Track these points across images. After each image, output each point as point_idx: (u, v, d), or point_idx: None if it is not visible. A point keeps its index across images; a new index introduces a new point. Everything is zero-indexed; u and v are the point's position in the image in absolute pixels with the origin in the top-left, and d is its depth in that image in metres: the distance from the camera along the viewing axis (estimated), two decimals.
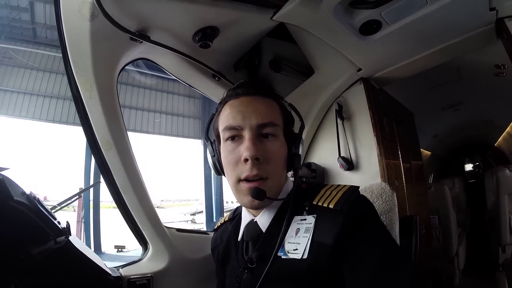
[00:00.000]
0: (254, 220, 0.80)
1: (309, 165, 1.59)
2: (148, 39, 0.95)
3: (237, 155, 0.73)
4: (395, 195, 1.12)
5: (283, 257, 0.70)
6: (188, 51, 1.08)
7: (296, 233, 0.71)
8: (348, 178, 1.55)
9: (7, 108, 8.24)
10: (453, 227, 2.90)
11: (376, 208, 1.05)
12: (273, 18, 1.03)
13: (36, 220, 0.88)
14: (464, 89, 2.37)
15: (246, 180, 0.72)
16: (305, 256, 0.67)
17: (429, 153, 4.85)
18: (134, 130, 10.30)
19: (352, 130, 1.57)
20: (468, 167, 7.34)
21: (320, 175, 1.60)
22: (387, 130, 1.65)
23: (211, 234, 1.15)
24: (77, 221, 7.70)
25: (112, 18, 0.80)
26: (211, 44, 1.01)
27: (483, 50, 1.47)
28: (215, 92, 1.31)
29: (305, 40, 1.18)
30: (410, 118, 2.41)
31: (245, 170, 0.72)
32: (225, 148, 0.77)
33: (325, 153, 1.68)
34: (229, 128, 0.75)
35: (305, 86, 1.39)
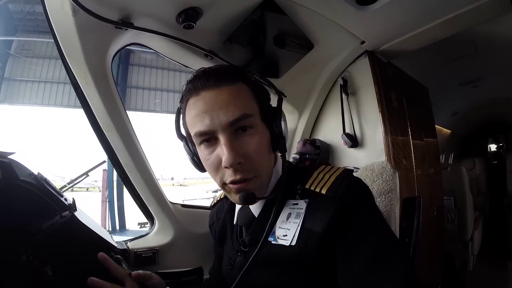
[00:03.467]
0: (247, 205, 0.78)
1: (314, 142, 1.57)
2: (132, 26, 0.98)
3: (216, 159, 0.67)
4: (397, 174, 1.09)
5: (273, 242, 0.69)
6: (175, 33, 1.08)
7: (287, 218, 0.69)
8: (352, 155, 1.53)
9: (29, 96, 8.67)
10: (469, 210, 2.79)
11: (376, 188, 1.04)
12: None
13: (43, 197, 0.95)
14: (481, 63, 2.21)
15: (232, 183, 0.68)
16: (293, 243, 0.65)
17: (449, 131, 4.64)
18: (154, 111, 10.61)
19: (357, 106, 1.53)
20: (493, 147, 6.99)
21: (324, 152, 1.58)
22: (395, 105, 1.58)
23: None
24: (101, 201, 8.04)
25: (92, 12, 0.83)
26: (194, 25, 1.01)
27: (499, 21, 1.35)
28: None
29: (298, 14, 1.13)
30: (424, 94, 2.29)
31: (229, 175, 0.67)
32: (201, 152, 0.71)
33: (330, 130, 1.66)
34: (199, 134, 0.67)
35: (305, 61, 1.34)
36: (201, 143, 0.69)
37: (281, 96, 0.77)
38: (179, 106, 0.75)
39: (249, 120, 0.66)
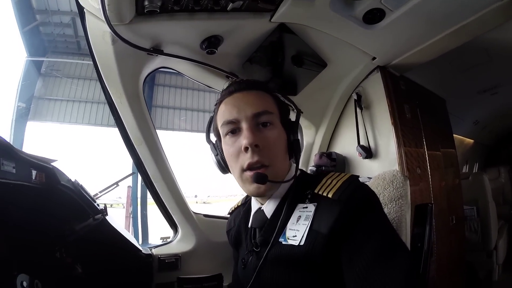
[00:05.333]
0: (261, 208, 0.84)
1: (330, 155, 1.63)
2: (162, 53, 1.11)
3: (237, 146, 0.77)
4: (408, 182, 1.11)
5: (283, 242, 0.74)
6: (199, 58, 1.20)
7: (297, 220, 0.74)
8: (367, 166, 1.57)
9: (57, 115, 9.17)
10: (493, 219, 2.71)
11: (387, 195, 1.06)
12: (272, 20, 1.10)
13: (79, 201, 1.08)
14: (497, 70, 2.19)
15: (250, 168, 0.75)
16: (302, 243, 0.69)
17: (472, 141, 4.50)
18: (179, 129, 10.93)
19: (371, 119, 1.58)
20: None
21: (340, 164, 1.63)
22: (409, 117, 1.61)
23: None
24: (125, 217, 8.19)
25: (128, 41, 0.96)
26: (216, 50, 1.13)
27: (508, 27, 1.36)
28: None
29: (311, 36, 1.22)
30: (440, 104, 2.29)
31: (247, 158, 0.75)
32: (225, 143, 0.81)
33: (346, 143, 1.71)
34: (226, 122, 0.78)
35: (320, 78, 1.42)
36: (226, 134, 0.79)
37: (299, 110, 0.89)
38: (211, 115, 0.89)
39: (270, 117, 0.78)
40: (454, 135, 2.41)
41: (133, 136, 1.24)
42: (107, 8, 0.83)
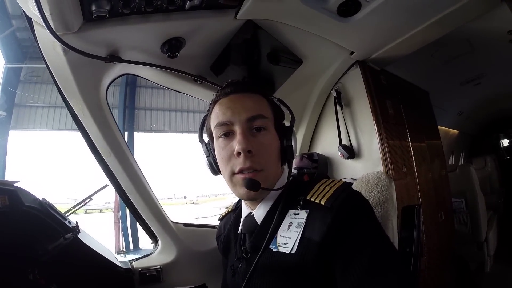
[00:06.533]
0: (251, 214, 0.82)
1: (311, 156, 1.57)
2: (119, 60, 1.04)
3: (229, 150, 0.75)
4: (393, 184, 1.08)
5: (274, 250, 0.72)
6: (161, 62, 1.13)
7: (289, 227, 0.72)
8: (350, 167, 1.52)
9: (39, 121, 8.95)
10: (482, 211, 2.73)
11: (371, 199, 1.03)
12: (237, 17, 1.03)
13: (47, 221, 1.04)
14: (480, 61, 2.19)
15: (240, 172, 0.75)
16: (294, 251, 0.68)
17: (457, 131, 4.56)
18: (164, 131, 10.81)
19: (352, 117, 1.53)
20: (505, 142, 6.80)
21: (322, 165, 1.58)
22: (391, 112, 1.57)
23: None
24: (114, 222, 8.16)
25: (80, 51, 0.89)
26: (178, 54, 1.05)
27: (490, 16, 1.33)
28: (201, 94, 1.35)
29: (282, 32, 1.15)
30: (423, 97, 2.28)
31: (238, 163, 0.74)
32: (218, 145, 0.79)
33: (327, 142, 1.66)
34: (220, 124, 0.77)
35: (296, 76, 1.36)
36: (219, 136, 0.78)
37: (293, 116, 0.87)
38: (205, 114, 0.88)
39: (264, 121, 0.77)
40: (439, 126, 2.41)
41: (101, 148, 1.17)
42: (49, 18, 0.76)
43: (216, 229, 1.09)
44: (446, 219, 1.90)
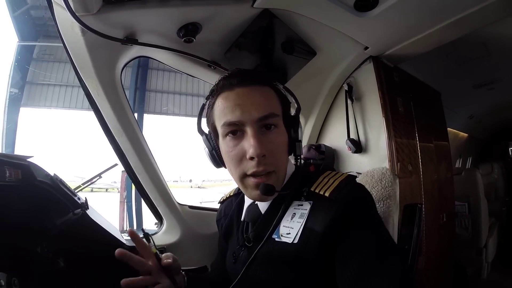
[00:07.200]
0: (255, 203, 0.82)
1: (319, 147, 1.58)
2: (136, 42, 1.05)
3: (240, 151, 0.72)
4: (397, 181, 1.09)
5: (276, 239, 0.73)
6: (177, 46, 1.14)
7: (292, 218, 0.73)
8: (356, 161, 1.53)
9: (51, 100, 9.06)
10: (484, 217, 2.72)
11: (374, 194, 1.04)
12: (254, 6, 1.03)
13: (58, 196, 1.06)
14: (495, 65, 2.14)
15: (253, 175, 0.72)
16: (296, 241, 0.69)
17: (466, 135, 4.50)
18: (173, 114, 10.87)
19: (362, 111, 1.53)
20: None
21: (329, 157, 1.59)
22: (401, 110, 1.57)
23: None
24: (120, 201, 8.25)
25: (98, 32, 0.90)
26: (194, 39, 1.06)
27: (508, 22, 1.30)
28: (214, 79, 1.28)
29: (298, 23, 1.15)
30: (435, 97, 2.25)
31: (251, 166, 0.71)
32: (225, 144, 0.75)
33: (335, 135, 1.66)
34: (228, 124, 0.72)
35: (309, 67, 1.36)
36: (226, 134, 0.73)
37: (299, 106, 0.83)
38: (204, 102, 0.82)
39: (275, 119, 0.73)
40: (448, 128, 2.38)
41: (113, 128, 1.20)
42: None
43: None
44: (448, 221, 1.90)
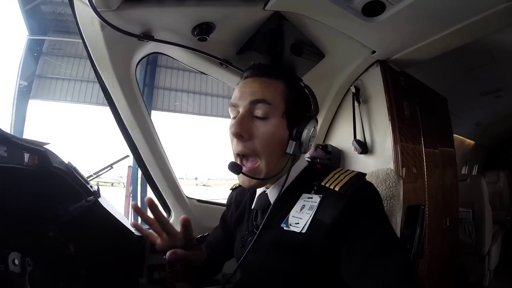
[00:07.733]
0: (266, 192, 0.85)
1: (326, 147, 1.62)
2: (152, 39, 1.10)
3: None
4: (401, 182, 1.11)
5: (285, 228, 0.75)
6: (191, 44, 1.19)
7: (301, 209, 0.75)
8: (362, 162, 1.56)
9: (59, 93, 9.18)
10: (488, 224, 2.71)
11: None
12: (266, 8, 1.07)
13: (71, 183, 1.10)
14: (501, 73, 2.15)
15: (238, 155, 0.79)
16: (304, 231, 0.70)
17: (473, 142, 4.48)
18: (181, 112, 10.88)
19: (368, 114, 1.56)
20: None
21: (335, 157, 1.63)
22: (407, 114, 1.59)
23: None
24: (125, 196, 8.29)
25: (117, 27, 0.95)
26: (207, 37, 1.11)
27: None
28: (226, 78, 1.41)
29: (308, 26, 1.19)
30: (442, 103, 2.26)
31: (234, 145, 0.78)
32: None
33: (342, 136, 1.69)
34: (230, 105, 0.81)
35: (318, 69, 1.39)
36: (232, 117, 0.80)
37: (317, 107, 0.88)
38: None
39: (266, 107, 0.76)
40: (454, 135, 2.39)
41: (127, 120, 1.24)
42: None
43: None
44: (451, 227, 1.90)
